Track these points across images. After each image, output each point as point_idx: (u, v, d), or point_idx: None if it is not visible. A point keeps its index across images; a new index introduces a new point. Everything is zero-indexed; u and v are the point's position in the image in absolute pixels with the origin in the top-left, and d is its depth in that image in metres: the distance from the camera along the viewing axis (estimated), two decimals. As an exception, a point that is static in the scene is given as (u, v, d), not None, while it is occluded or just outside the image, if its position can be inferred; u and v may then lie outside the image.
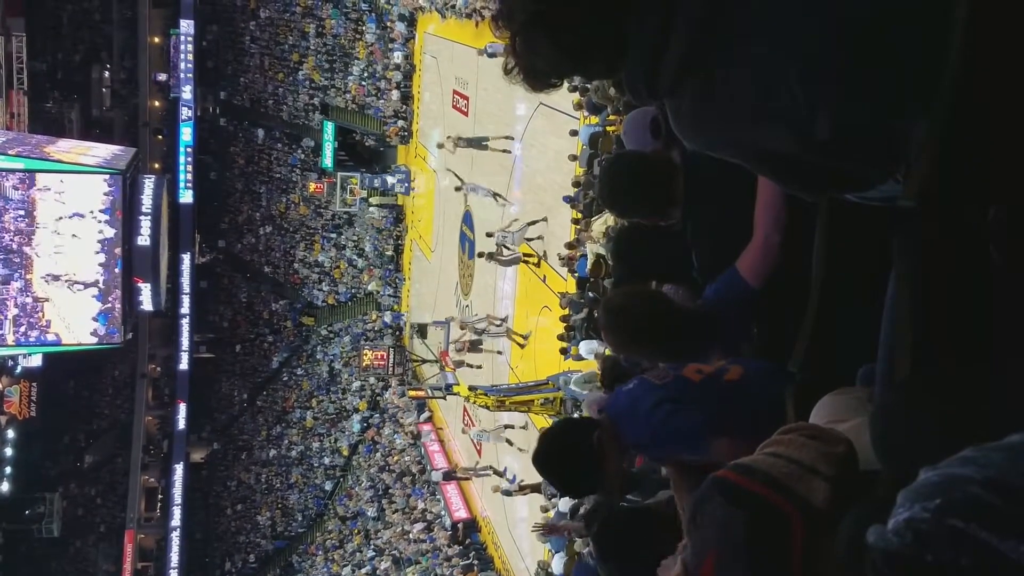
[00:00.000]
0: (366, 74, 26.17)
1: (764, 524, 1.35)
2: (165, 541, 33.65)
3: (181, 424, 34.18)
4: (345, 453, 28.08)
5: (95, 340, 28.55)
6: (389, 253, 26.81)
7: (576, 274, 12.19)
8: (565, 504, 11.04)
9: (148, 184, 28.49)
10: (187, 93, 32.29)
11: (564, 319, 12.64)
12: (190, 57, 32.09)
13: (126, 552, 33.40)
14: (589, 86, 11.04)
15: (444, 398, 19.28)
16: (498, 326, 17.56)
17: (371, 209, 26.74)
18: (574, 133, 12.97)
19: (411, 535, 22.37)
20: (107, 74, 34.31)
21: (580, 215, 12.55)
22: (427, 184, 24.06)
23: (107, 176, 27.26)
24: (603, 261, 10.44)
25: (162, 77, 33.63)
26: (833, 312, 2.05)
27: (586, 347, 11.18)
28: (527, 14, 1.42)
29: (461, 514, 20.18)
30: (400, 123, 24.75)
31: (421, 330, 23.29)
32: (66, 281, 27.51)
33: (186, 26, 31.91)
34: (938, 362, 1.35)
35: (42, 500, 33.63)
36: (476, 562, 19.53)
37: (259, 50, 32.03)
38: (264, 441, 33.34)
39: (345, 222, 29.07)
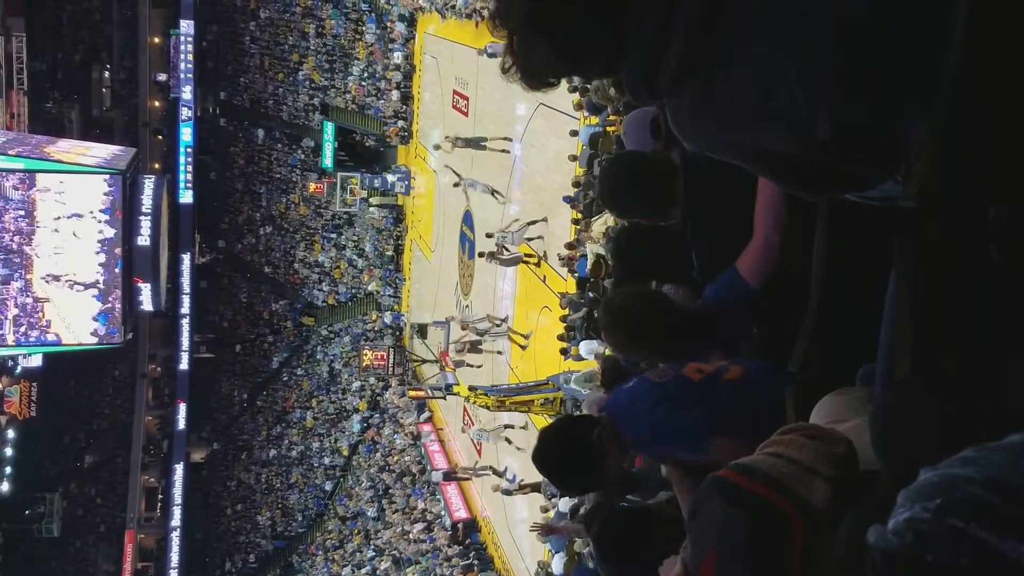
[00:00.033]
0: (366, 74, 26.16)
1: (764, 524, 1.35)
2: (165, 541, 33.65)
3: (181, 424, 34.19)
4: (345, 453, 28.07)
5: (95, 340, 28.57)
6: (389, 253, 26.80)
7: (576, 274, 12.18)
8: (565, 504, 11.04)
9: (148, 184, 28.51)
10: (187, 93, 32.28)
11: (564, 319, 12.64)
12: (190, 57, 32.08)
13: (126, 552, 33.41)
14: (589, 86, 11.03)
15: (444, 398, 19.28)
16: (498, 326, 17.57)
17: (371, 209, 26.73)
18: (574, 133, 12.97)
19: (411, 535, 22.37)
20: (107, 74, 34.30)
21: (580, 215, 12.54)
22: (427, 184, 24.05)
23: (107, 176, 27.27)
24: (603, 261, 10.43)
25: (162, 77, 33.62)
26: (833, 312, 2.05)
27: (586, 347, 11.17)
28: (523, 13, 1.41)
29: (461, 514, 20.18)
30: (400, 123, 24.74)
31: (421, 330, 23.30)
32: (66, 281, 27.51)
33: (186, 26, 31.89)
34: (938, 362, 1.35)
35: (42, 500, 33.62)
36: (476, 562, 19.53)
37: (259, 50, 32.02)
38: (264, 441, 33.34)
39: (345, 222, 29.07)
